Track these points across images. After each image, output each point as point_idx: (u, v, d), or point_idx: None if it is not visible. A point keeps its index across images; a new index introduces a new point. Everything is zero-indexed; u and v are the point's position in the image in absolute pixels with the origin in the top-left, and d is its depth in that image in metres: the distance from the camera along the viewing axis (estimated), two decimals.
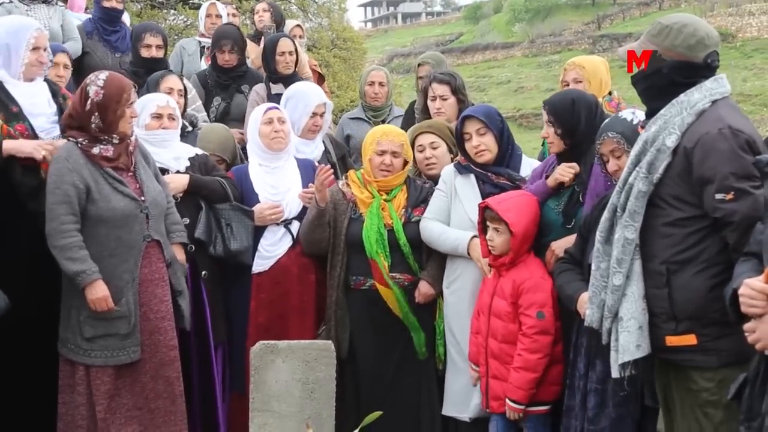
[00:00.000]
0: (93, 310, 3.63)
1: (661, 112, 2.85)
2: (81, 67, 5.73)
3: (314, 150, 4.75)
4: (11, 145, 3.76)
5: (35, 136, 3.86)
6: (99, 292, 3.62)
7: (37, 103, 3.95)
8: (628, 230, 2.84)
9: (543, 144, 4.72)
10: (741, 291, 2.30)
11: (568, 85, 4.52)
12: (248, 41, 6.85)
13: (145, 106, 4.21)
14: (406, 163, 4.26)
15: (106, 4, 6.16)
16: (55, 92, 4.07)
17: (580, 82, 4.47)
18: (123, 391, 3.75)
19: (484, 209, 3.75)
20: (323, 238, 4.19)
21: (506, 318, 3.67)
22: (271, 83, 5.68)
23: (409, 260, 4.11)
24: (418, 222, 4.14)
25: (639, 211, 2.83)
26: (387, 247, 4.08)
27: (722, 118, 2.78)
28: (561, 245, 3.63)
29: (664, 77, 2.85)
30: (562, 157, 3.69)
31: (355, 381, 4.14)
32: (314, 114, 4.66)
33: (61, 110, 3.99)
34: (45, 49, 3.99)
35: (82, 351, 3.70)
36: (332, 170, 4.27)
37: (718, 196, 2.69)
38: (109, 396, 3.70)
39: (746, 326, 2.32)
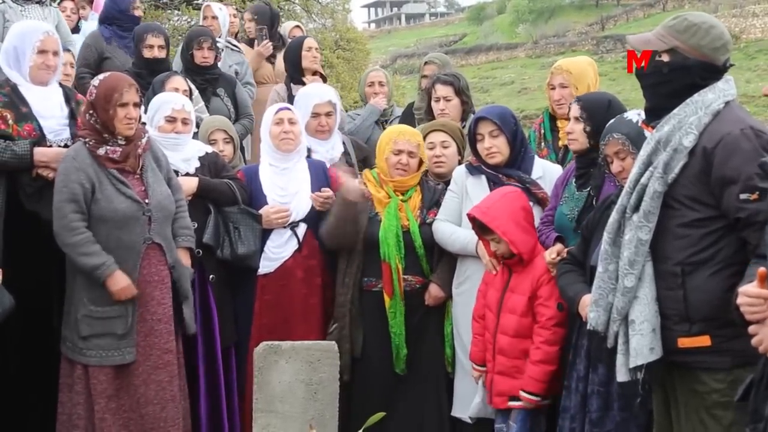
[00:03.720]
0: (117, 300, 3.63)
1: (674, 111, 2.82)
2: (101, 72, 5.70)
3: (330, 150, 4.71)
4: (44, 158, 3.82)
5: (43, 137, 3.89)
6: (121, 282, 3.64)
7: (49, 106, 3.98)
8: (642, 231, 2.80)
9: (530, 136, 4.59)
10: (738, 300, 2.27)
11: (554, 88, 4.44)
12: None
13: (159, 107, 4.19)
14: (421, 163, 4.24)
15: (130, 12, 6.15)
16: (68, 97, 4.10)
17: (566, 87, 4.37)
18: (121, 392, 3.73)
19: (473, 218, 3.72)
20: (350, 233, 4.09)
21: (521, 312, 3.64)
22: (292, 84, 5.69)
23: (423, 263, 4.10)
24: (431, 224, 4.13)
25: (654, 211, 2.80)
26: (403, 250, 4.05)
27: (742, 118, 2.77)
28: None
29: (686, 76, 2.82)
30: (582, 157, 3.64)
31: (365, 380, 4.12)
32: (316, 114, 4.62)
33: (73, 114, 4.02)
34: (55, 53, 4.01)
35: (78, 350, 3.69)
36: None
37: (743, 196, 2.66)
38: (107, 396, 3.68)
39: (750, 329, 2.31)
